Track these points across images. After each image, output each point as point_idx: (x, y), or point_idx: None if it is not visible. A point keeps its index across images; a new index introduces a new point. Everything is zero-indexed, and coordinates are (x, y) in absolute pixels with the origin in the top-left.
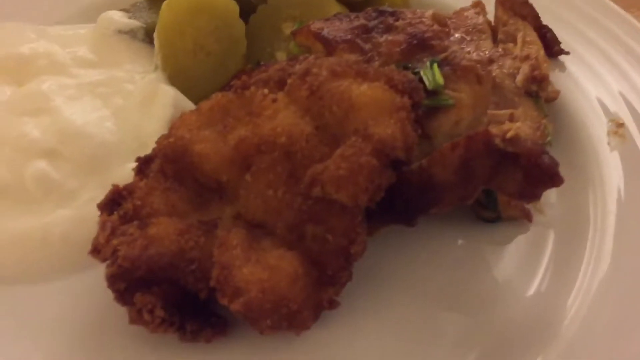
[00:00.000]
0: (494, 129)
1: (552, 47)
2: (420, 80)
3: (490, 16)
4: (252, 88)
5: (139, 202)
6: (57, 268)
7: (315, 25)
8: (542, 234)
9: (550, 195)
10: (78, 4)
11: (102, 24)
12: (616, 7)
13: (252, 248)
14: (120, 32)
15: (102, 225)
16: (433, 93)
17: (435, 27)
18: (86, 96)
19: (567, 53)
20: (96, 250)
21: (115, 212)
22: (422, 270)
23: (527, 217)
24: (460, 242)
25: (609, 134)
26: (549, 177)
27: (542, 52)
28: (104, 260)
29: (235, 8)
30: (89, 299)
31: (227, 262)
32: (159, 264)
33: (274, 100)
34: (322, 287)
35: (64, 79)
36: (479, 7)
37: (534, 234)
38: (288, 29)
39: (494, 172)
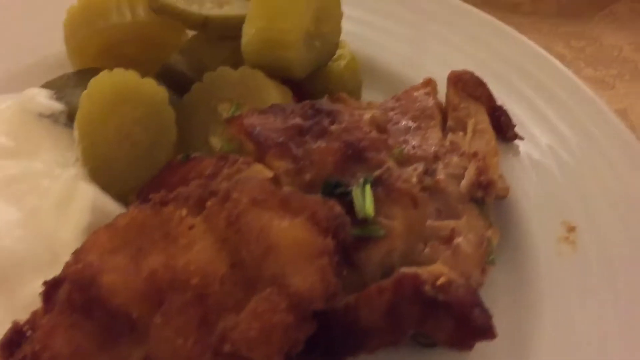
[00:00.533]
0: (424, 273)
1: (505, 131)
2: (351, 203)
3: (442, 93)
4: (171, 206)
5: (38, 346)
6: None
7: (249, 120)
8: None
9: None
10: (1, 69)
11: (24, 103)
12: (583, 86)
13: None
14: (42, 115)
15: None
16: (363, 221)
17: (373, 134)
18: None
19: (522, 138)
20: None
21: (13, 356)
22: None
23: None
24: None
25: (559, 240)
26: (482, 331)
27: (493, 143)
28: None
29: (164, 94)
30: None
31: None
32: None
33: (191, 227)
34: None
35: None
36: (429, 86)
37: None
38: (225, 111)
39: (423, 318)
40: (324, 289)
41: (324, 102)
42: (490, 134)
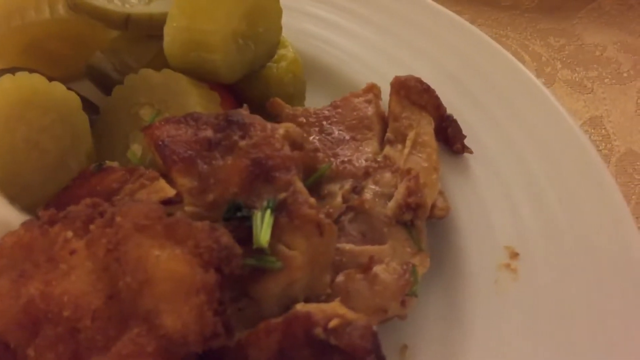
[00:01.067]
0: (318, 313)
1: (452, 144)
2: (250, 229)
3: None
4: (58, 226)
5: None
6: None
7: (159, 131)
8: None
9: None
10: None
11: None
12: (549, 96)
13: None
14: None
15: None
16: (260, 250)
17: (285, 151)
18: None
19: (471, 152)
20: None
21: None
22: None
23: None
24: None
25: (499, 267)
26: None
27: (434, 157)
28: None
29: (76, 100)
30: None
31: None
32: None
33: (72, 252)
34: None
35: None
36: (371, 93)
37: None
38: (146, 116)
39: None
40: (199, 330)
41: (239, 113)
42: (432, 147)
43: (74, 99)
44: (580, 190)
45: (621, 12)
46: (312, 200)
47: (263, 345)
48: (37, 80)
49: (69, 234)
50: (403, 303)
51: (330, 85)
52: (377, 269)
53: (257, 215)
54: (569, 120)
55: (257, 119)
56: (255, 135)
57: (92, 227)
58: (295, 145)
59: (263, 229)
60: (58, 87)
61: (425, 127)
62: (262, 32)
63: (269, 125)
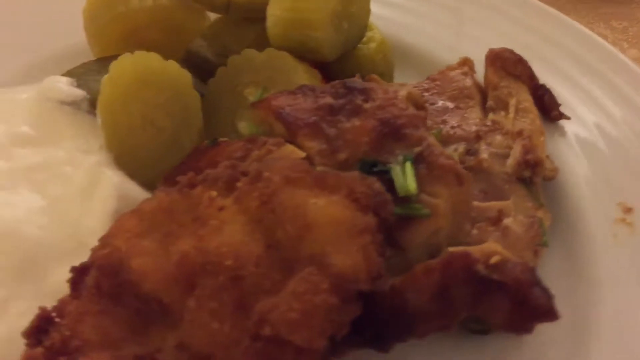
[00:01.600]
0: (476, 252)
1: (550, 111)
2: (390, 182)
3: (480, 74)
4: (199, 188)
5: (67, 333)
6: None
7: (277, 101)
8: (536, 347)
9: None
10: (21, 60)
11: (44, 91)
12: (628, 62)
13: None
14: (63, 102)
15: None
16: (405, 199)
17: (411, 110)
18: (20, 185)
19: (568, 118)
20: None
21: (42, 344)
22: None
23: None
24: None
25: (615, 222)
26: (542, 313)
27: (537, 122)
28: None
29: (188, 77)
30: None
31: None
32: None
33: (221, 209)
34: None
35: None
36: (466, 66)
37: (526, 345)
38: (251, 95)
39: (476, 301)
40: (367, 269)
41: (356, 81)
42: (534, 113)
43: (186, 77)
44: None
45: None
46: (447, 152)
47: (421, 287)
48: (153, 59)
49: (213, 193)
50: (536, 253)
51: (413, 66)
52: (507, 221)
53: (396, 168)
54: None
55: (376, 84)
56: (378, 98)
57: (239, 184)
58: (418, 106)
59: (408, 178)
60: (172, 65)
61: (524, 95)
62: (354, 13)
63: (389, 88)
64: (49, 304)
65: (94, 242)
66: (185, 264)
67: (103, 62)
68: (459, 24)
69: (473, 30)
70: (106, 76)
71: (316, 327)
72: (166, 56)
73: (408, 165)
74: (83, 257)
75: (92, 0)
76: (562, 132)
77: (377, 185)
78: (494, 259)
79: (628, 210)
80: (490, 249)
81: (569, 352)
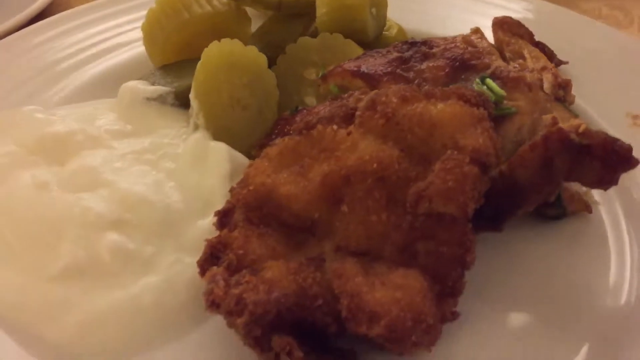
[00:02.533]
0: (566, 126)
1: (551, 59)
2: None
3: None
4: (318, 127)
5: (241, 251)
6: (154, 336)
7: (349, 65)
8: (599, 224)
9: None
10: (70, 85)
11: (127, 94)
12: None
13: (369, 274)
14: (149, 99)
15: (213, 279)
16: (495, 103)
17: (470, 48)
18: (134, 165)
19: (566, 62)
20: (214, 305)
21: (218, 266)
22: (513, 275)
23: (588, 209)
24: (533, 241)
25: (629, 127)
26: (626, 160)
27: (549, 63)
28: (227, 312)
29: (264, 60)
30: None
31: (353, 290)
32: (287, 305)
33: (349, 133)
34: (444, 299)
35: (105, 151)
36: (478, 32)
37: (592, 225)
38: (311, 75)
39: (572, 165)
40: (494, 145)
41: (412, 38)
42: (544, 58)
43: (263, 59)
44: None
45: None
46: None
47: (528, 162)
48: (236, 45)
49: (334, 127)
50: None
51: None
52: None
53: (477, 86)
54: None
55: (431, 38)
56: (440, 44)
57: (357, 113)
58: (473, 45)
59: (494, 87)
60: (252, 50)
61: (531, 47)
62: (379, 3)
63: (446, 37)
64: (192, 254)
65: (218, 200)
66: (329, 182)
67: (166, 69)
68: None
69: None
70: (199, 63)
71: (467, 193)
72: None
73: (488, 80)
74: (211, 212)
75: (155, 12)
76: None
77: (476, 90)
78: (581, 128)
79: (636, 117)
80: (575, 121)
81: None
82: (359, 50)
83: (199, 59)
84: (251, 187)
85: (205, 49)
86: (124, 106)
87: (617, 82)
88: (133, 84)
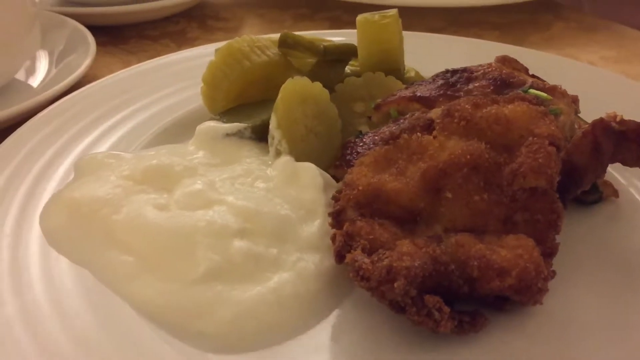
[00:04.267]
0: (605, 117)
1: None
2: None
3: None
4: (403, 136)
5: (371, 236)
6: (298, 322)
7: (404, 92)
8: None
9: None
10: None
11: (206, 133)
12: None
13: (485, 242)
14: (228, 134)
15: (356, 259)
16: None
17: (505, 70)
18: (234, 187)
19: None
20: (365, 279)
21: (353, 251)
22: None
23: (615, 194)
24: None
25: None
26: None
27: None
28: (379, 282)
29: (327, 94)
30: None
31: (478, 254)
32: (429, 270)
33: (435, 137)
34: (546, 259)
35: (204, 178)
36: (500, 60)
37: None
38: (360, 108)
39: (616, 149)
40: (561, 132)
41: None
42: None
43: (327, 94)
44: None
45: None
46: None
47: (582, 148)
48: (306, 82)
49: (417, 134)
50: None
51: None
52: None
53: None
54: None
55: (466, 67)
56: (478, 70)
57: (437, 120)
58: (507, 64)
59: (539, 94)
60: (318, 85)
61: (530, 78)
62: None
63: (479, 65)
64: (310, 252)
65: (319, 209)
66: (428, 176)
67: (232, 112)
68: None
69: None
70: (279, 97)
71: (553, 167)
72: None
73: (531, 90)
74: (315, 219)
75: (218, 62)
76: None
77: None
78: (618, 118)
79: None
80: (612, 112)
81: None
82: (400, 85)
83: (258, 101)
84: (360, 187)
85: (283, 86)
86: (207, 143)
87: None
88: (210, 123)
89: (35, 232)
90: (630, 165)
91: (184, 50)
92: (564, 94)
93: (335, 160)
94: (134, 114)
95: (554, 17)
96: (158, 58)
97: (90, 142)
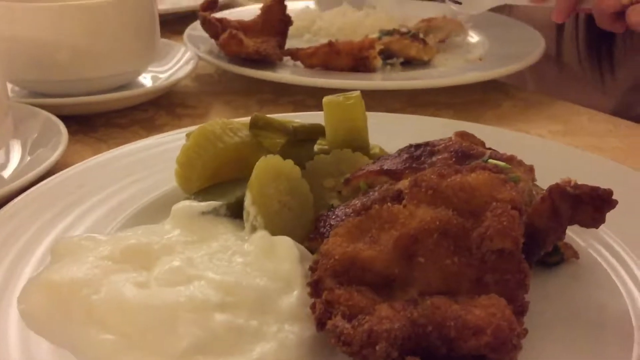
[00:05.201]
0: (560, 182)
1: None
2: None
3: None
4: (374, 207)
5: (349, 303)
6: None
7: (371, 167)
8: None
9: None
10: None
11: (182, 212)
12: None
13: (460, 302)
14: (204, 213)
15: (336, 325)
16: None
17: (464, 143)
18: (212, 263)
19: None
20: (346, 344)
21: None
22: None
23: (576, 255)
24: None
25: None
26: (608, 202)
27: None
28: (361, 346)
29: (299, 171)
30: None
31: (454, 315)
32: (408, 333)
33: (405, 206)
34: (517, 317)
35: (182, 255)
36: (459, 135)
37: (582, 267)
38: (330, 184)
39: (573, 212)
40: (521, 197)
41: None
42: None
43: (298, 170)
44: None
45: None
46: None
47: (541, 212)
48: (277, 160)
49: (387, 205)
50: None
51: None
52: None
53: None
54: None
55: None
56: (440, 144)
57: (406, 190)
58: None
59: (498, 163)
60: (289, 163)
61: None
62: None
63: (439, 139)
64: (290, 323)
65: (298, 280)
66: (401, 243)
67: (206, 191)
68: None
69: None
70: (253, 175)
71: (516, 230)
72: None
73: (491, 160)
74: (294, 289)
75: (191, 145)
76: None
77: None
78: (572, 182)
79: None
80: (566, 178)
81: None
82: (367, 160)
83: (231, 180)
84: (336, 257)
85: (256, 164)
86: (183, 221)
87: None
88: (185, 202)
89: (13, 316)
90: (588, 227)
91: (155, 136)
92: (520, 163)
93: (309, 234)
94: (107, 198)
95: (504, 96)
96: (129, 144)
97: (65, 227)
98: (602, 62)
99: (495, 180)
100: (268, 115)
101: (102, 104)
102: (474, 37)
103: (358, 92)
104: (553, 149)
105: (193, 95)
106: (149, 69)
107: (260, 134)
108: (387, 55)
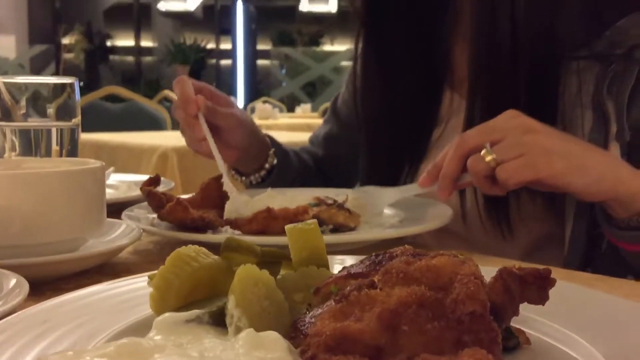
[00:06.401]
0: (508, 266)
1: None
2: None
3: None
4: (353, 294)
5: None
6: None
7: (339, 275)
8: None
9: None
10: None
11: (166, 321)
12: None
13: (447, 356)
14: (188, 321)
15: None
16: None
17: (416, 250)
18: (205, 357)
19: None
20: None
21: None
22: None
23: (527, 341)
24: None
25: None
26: (547, 280)
27: None
28: None
29: (274, 280)
30: None
31: None
32: None
33: (381, 289)
34: None
35: (175, 355)
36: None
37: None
38: (299, 297)
39: (521, 291)
40: (479, 272)
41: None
42: None
43: (272, 279)
44: None
45: None
46: None
47: (496, 290)
48: (255, 270)
49: (365, 290)
50: None
51: None
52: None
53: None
54: None
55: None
56: (397, 251)
57: (377, 277)
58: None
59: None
60: (265, 272)
61: None
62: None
63: (393, 249)
64: None
65: None
66: (384, 317)
67: (181, 308)
68: None
69: None
70: (235, 282)
71: (483, 295)
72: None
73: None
74: None
75: (167, 267)
76: None
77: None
78: (517, 266)
79: None
80: (511, 263)
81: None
82: (330, 274)
83: (205, 299)
84: (328, 333)
85: (237, 272)
86: (168, 329)
87: None
88: (166, 314)
89: None
90: (535, 304)
91: (118, 280)
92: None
93: (290, 334)
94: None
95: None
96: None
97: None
98: (501, 224)
99: (456, 261)
100: (237, 238)
101: (49, 265)
102: (390, 211)
103: (315, 220)
104: None
105: (136, 265)
106: (94, 240)
107: (232, 256)
108: (319, 222)
